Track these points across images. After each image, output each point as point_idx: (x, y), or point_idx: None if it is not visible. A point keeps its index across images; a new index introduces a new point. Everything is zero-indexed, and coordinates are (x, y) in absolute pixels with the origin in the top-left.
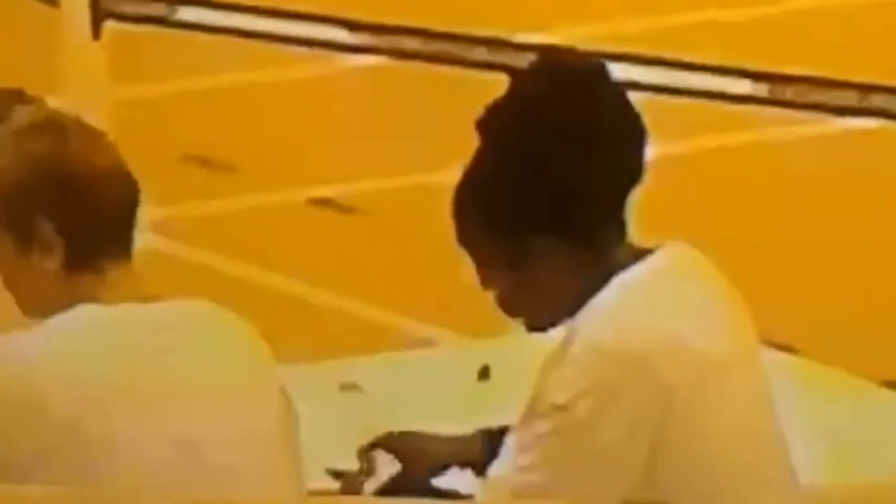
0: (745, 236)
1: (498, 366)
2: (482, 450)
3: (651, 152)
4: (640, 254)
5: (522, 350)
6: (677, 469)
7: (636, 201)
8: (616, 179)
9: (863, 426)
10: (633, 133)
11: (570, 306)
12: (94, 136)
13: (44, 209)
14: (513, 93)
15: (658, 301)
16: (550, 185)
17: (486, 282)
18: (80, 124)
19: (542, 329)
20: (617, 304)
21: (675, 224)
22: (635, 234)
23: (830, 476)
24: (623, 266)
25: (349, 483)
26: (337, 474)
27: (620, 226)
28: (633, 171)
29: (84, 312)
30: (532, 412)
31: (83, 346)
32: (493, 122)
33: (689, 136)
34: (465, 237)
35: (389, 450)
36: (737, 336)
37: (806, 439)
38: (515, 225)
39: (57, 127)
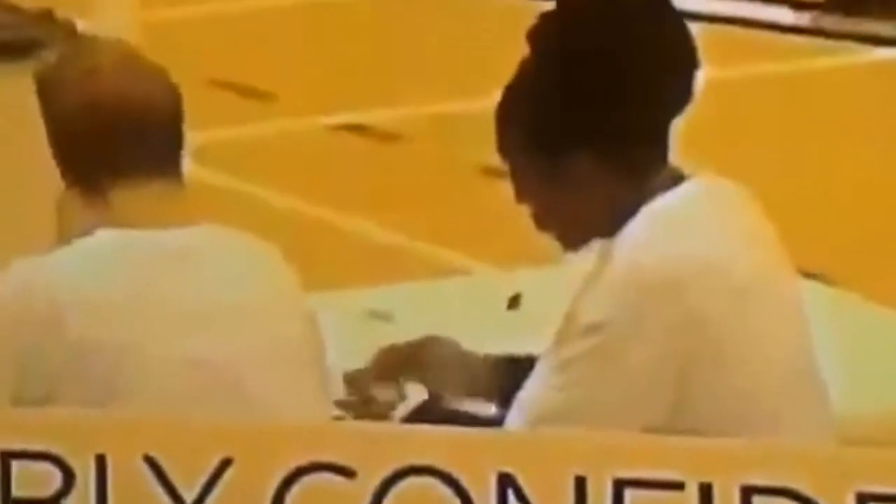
0: (784, 164)
1: (530, 296)
2: (503, 375)
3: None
4: (679, 179)
5: (555, 281)
6: (709, 394)
7: (677, 128)
8: (661, 103)
9: (893, 355)
10: (683, 59)
11: (605, 227)
12: (115, 59)
13: (52, 134)
14: (566, 4)
15: (693, 228)
16: (595, 102)
17: (521, 195)
18: (111, 48)
19: (574, 247)
20: (653, 229)
21: (714, 151)
22: (674, 159)
23: (861, 404)
24: (662, 190)
25: (375, 407)
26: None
27: (662, 150)
28: (679, 98)
29: (104, 236)
30: (566, 333)
31: (101, 269)
32: (544, 33)
33: (730, 65)
34: (506, 146)
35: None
36: (770, 264)
37: (838, 368)
38: (557, 138)
39: (82, 51)
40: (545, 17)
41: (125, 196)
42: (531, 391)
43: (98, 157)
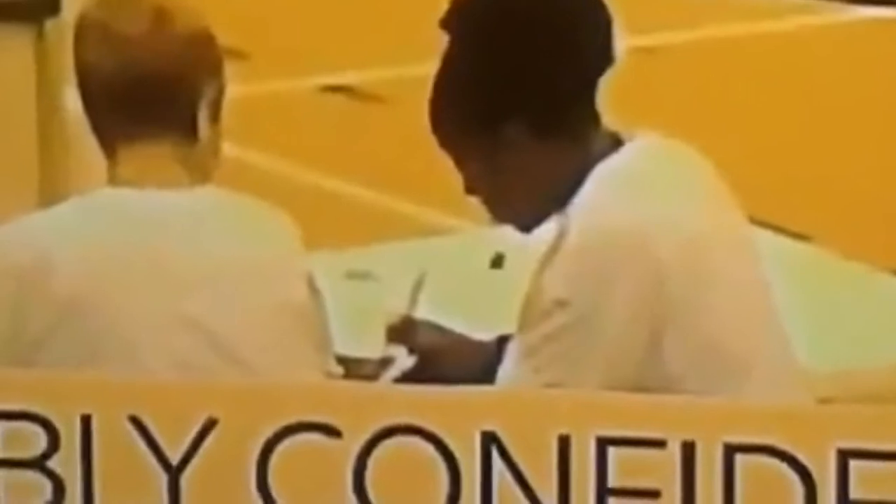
0: (765, 125)
1: (514, 255)
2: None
3: (672, 40)
4: (618, 140)
5: (539, 240)
6: (679, 348)
7: (665, 87)
8: (582, 64)
9: (873, 314)
10: (596, 17)
11: (556, 200)
12: (139, 17)
13: (77, 86)
14: None
15: (645, 186)
16: (521, 74)
17: (470, 186)
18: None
19: (531, 227)
20: (605, 192)
21: (698, 111)
22: (655, 123)
23: (840, 363)
24: (602, 154)
25: (360, 369)
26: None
27: (594, 112)
28: (600, 57)
29: (103, 194)
30: (534, 310)
31: (95, 225)
32: (459, 18)
33: (719, 24)
34: (446, 140)
35: (413, 338)
36: (723, 216)
37: (816, 327)
38: (491, 117)
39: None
40: (457, 2)
41: (131, 155)
42: (509, 375)
43: (107, 115)
